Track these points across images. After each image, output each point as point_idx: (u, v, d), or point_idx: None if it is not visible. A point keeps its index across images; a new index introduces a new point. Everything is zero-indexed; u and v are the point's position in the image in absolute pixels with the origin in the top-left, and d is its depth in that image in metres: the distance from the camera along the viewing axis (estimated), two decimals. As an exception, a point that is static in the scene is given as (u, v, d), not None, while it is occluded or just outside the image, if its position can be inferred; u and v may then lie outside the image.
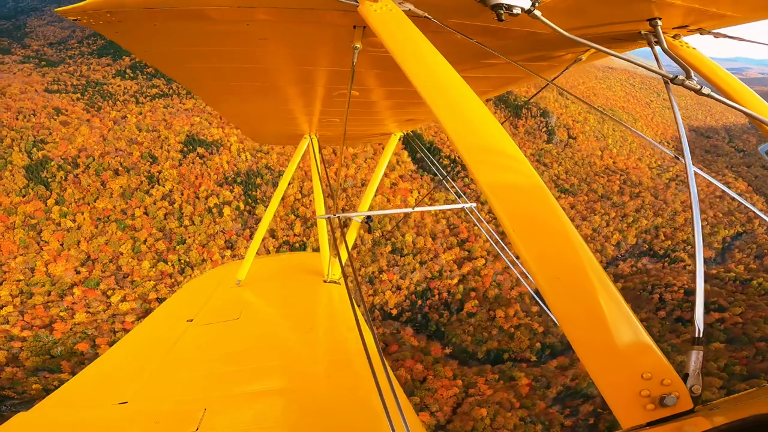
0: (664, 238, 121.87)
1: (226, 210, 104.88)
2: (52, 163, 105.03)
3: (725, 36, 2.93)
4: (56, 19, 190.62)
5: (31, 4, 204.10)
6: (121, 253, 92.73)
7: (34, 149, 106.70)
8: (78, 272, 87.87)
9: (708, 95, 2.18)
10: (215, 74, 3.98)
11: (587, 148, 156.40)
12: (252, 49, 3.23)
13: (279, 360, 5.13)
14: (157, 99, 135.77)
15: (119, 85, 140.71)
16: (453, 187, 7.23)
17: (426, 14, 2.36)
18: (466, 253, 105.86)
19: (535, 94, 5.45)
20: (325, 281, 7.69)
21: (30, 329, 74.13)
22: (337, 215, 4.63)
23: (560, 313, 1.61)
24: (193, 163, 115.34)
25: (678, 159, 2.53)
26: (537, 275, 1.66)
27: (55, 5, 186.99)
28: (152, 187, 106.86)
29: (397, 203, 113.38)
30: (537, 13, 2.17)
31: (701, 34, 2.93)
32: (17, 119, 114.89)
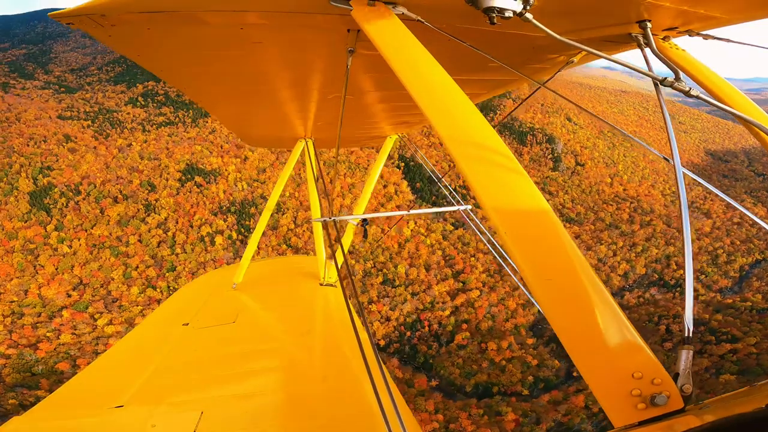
0: (675, 268, 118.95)
1: (219, 239, 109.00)
2: (56, 190, 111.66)
3: (714, 38, 3.01)
4: (80, 45, 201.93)
5: (58, 30, 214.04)
6: (113, 279, 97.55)
7: (40, 175, 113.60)
8: (69, 296, 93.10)
9: (697, 97, 2.24)
10: (210, 78, 4.10)
11: (596, 175, 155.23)
12: (246, 52, 3.30)
13: (275, 363, 5.21)
14: (162, 127, 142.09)
15: (129, 113, 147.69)
16: (448, 189, 7.36)
17: (419, 18, 2.42)
18: (461, 284, 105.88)
19: (528, 97, 5.68)
20: (321, 284, 7.78)
21: (16, 347, 78.47)
22: (332, 218, 4.74)
23: (552, 314, 1.65)
24: (190, 191, 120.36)
25: (667, 160, 2.60)
26: (529, 277, 1.70)
27: (79, 31, 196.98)
28: (148, 215, 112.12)
29: (392, 233, 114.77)
30: (528, 16, 2.23)
31: (690, 35, 3.01)
32: (28, 145, 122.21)
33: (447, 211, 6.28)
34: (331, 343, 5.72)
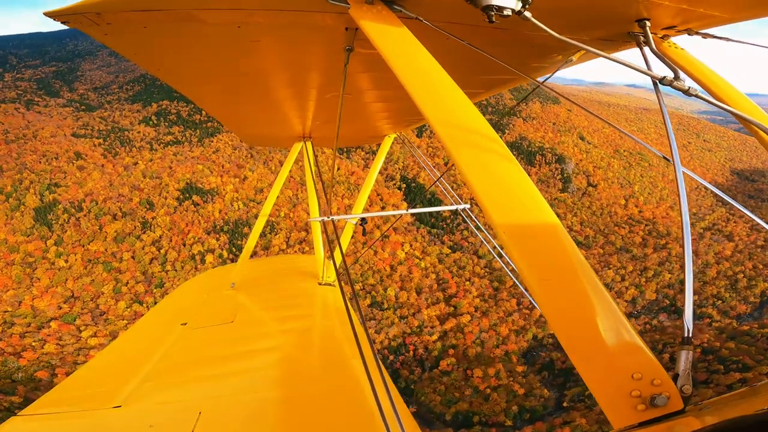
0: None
1: (209, 257, 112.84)
2: (60, 206, 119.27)
3: (713, 36, 3.06)
4: (105, 64, 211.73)
5: (87, 48, 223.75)
6: (103, 293, 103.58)
7: (47, 192, 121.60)
8: (60, 308, 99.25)
9: (696, 95, 2.27)
10: (207, 77, 4.17)
11: (609, 196, 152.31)
12: (244, 51, 3.35)
13: (274, 362, 5.26)
14: (169, 146, 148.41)
15: (139, 132, 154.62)
16: (447, 188, 7.47)
17: (417, 16, 2.47)
18: (452, 309, 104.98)
19: (526, 96, 5.83)
20: (319, 284, 7.88)
21: (1, 355, 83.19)
22: (331, 218, 4.82)
23: (551, 315, 1.69)
24: (186, 210, 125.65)
25: (667, 160, 2.64)
26: (527, 277, 1.74)
27: (106, 50, 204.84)
28: (144, 233, 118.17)
29: (384, 256, 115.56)
30: (527, 14, 2.24)
31: (689, 34, 3.08)
32: (40, 162, 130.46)
33: (446, 210, 6.36)
34: (330, 342, 5.79)
